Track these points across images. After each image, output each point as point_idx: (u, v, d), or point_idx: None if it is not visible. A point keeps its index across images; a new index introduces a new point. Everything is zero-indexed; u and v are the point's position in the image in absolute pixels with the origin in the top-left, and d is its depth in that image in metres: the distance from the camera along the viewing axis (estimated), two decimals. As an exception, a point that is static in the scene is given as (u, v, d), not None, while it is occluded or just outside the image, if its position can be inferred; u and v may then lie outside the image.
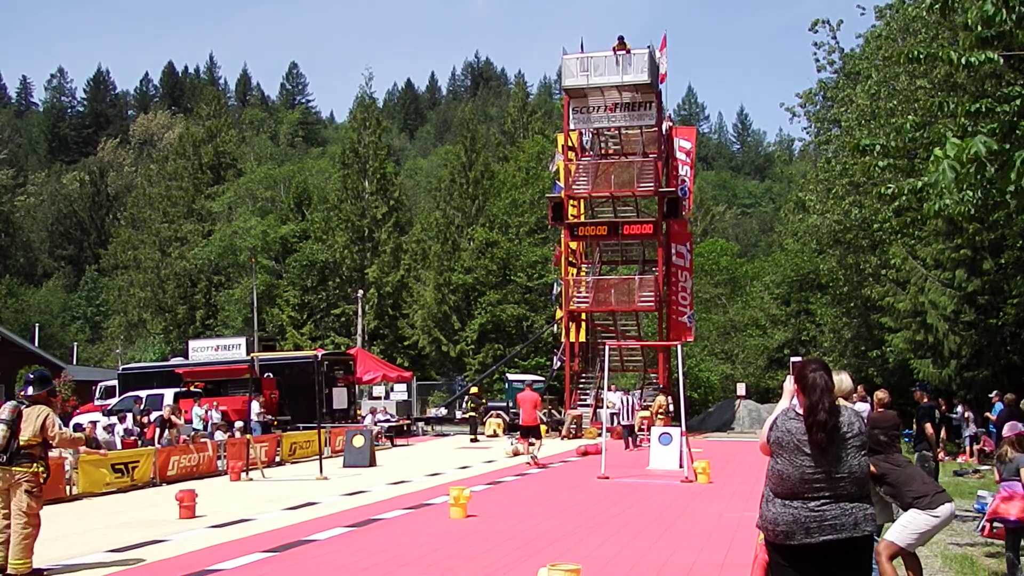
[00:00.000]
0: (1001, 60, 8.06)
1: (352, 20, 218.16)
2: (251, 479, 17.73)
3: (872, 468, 6.64)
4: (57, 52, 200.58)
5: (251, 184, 61.62)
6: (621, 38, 32.23)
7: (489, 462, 20.68)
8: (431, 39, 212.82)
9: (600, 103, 32.87)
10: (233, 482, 17.38)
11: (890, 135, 19.36)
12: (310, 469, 19.20)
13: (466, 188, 53.58)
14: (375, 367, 34.08)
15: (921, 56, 8.45)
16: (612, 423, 23.56)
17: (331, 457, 21.78)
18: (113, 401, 28.35)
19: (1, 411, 8.89)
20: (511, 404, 30.17)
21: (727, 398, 41.94)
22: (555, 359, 35.41)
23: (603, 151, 35.55)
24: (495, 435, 30.28)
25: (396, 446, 26.68)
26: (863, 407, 11.95)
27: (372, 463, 20.08)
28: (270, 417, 25.00)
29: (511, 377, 36.68)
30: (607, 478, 16.34)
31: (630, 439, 23.71)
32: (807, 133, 36.49)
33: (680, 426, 18.52)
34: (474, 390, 33.33)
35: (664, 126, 33.84)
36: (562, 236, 33.98)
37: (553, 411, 32.09)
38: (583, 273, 34.35)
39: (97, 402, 30.96)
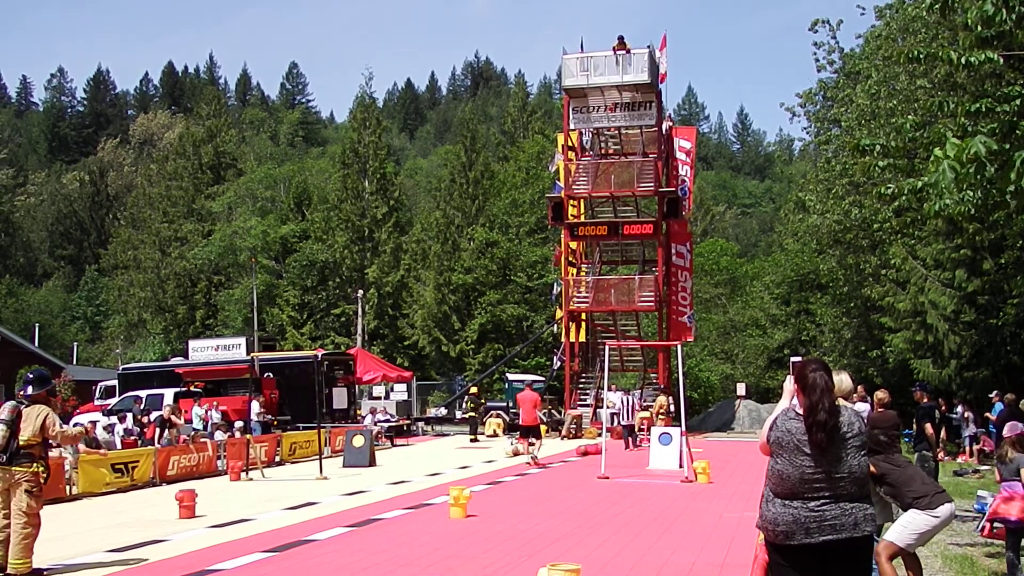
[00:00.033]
0: (1001, 60, 8.06)
1: (352, 20, 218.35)
2: (251, 479, 17.74)
3: (872, 468, 6.64)
4: (57, 52, 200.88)
5: (251, 184, 61.62)
6: (621, 38, 32.24)
7: (489, 462, 20.68)
8: (431, 39, 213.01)
9: (600, 103, 32.87)
10: (233, 482, 17.38)
11: (890, 135, 19.39)
12: (310, 469, 19.20)
13: (466, 188, 53.58)
14: (375, 367, 34.08)
15: (921, 56, 8.45)
16: (612, 423, 23.56)
17: (331, 457, 21.78)
18: (113, 401, 28.34)
19: (1, 411, 8.89)
20: (511, 404, 30.17)
21: (727, 398, 41.94)
22: (555, 359, 35.41)
23: (603, 151, 35.54)
24: (495, 435, 30.28)
25: (396, 446, 26.68)
26: (863, 407, 11.95)
27: (372, 463, 20.08)
28: (270, 417, 24.99)
29: (511, 377, 36.67)
30: (607, 478, 16.33)
31: (630, 439, 23.71)
32: (807, 133, 36.55)
33: (680, 426, 18.52)
34: (474, 390, 33.32)
35: (664, 126, 33.83)
36: (562, 236, 33.98)
37: (553, 411, 32.09)
38: (583, 273, 34.34)
39: (97, 402, 30.94)
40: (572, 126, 33.44)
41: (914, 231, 25.13)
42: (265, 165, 67.12)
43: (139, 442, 21.03)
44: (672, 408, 23.57)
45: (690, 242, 35.77)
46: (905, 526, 6.99)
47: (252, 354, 28.32)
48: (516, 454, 21.46)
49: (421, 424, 34.40)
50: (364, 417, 29.73)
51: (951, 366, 23.54)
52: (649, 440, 20.62)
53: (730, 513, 12.19)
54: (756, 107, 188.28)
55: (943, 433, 15.44)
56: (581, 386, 33.15)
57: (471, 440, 28.26)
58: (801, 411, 4.45)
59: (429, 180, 78.15)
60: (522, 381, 29.06)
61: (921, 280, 24.32)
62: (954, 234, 23.13)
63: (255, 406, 23.73)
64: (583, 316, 33.86)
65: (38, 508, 8.81)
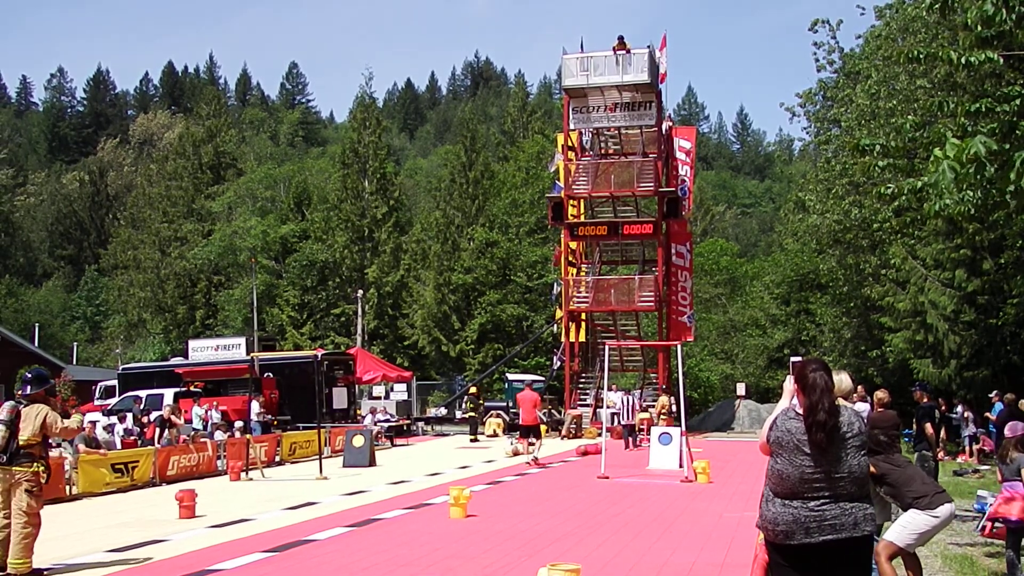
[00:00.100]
0: (1001, 60, 8.05)
1: (352, 20, 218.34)
2: (251, 479, 17.74)
3: (872, 468, 6.64)
4: (57, 52, 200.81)
5: (251, 184, 61.63)
6: (621, 38, 32.23)
7: (489, 462, 20.68)
8: (431, 39, 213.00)
9: (600, 103, 32.87)
10: (233, 482, 17.38)
11: (890, 135, 19.40)
12: (310, 469, 19.20)
13: (466, 188, 53.58)
14: (375, 367, 34.09)
15: (921, 56, 8.44)
16: (612, 423, 23.56)
17: (331, 457, 21.78)
18: (113, 401, 28.35)
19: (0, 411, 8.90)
20: (511, 404, 30.18)
21: (727, 398, 41.94)
22: (555, 359, 35.40)
23: (603, 151, 35.54)
24: (495, 435, 30.28)
25: (396, 446, 26.68)
26: (863, 407, 11.95)
27: (372, 463, 20.08)
28: (270, 417, 25.00)
29: (511, 377, 36.68)
30: (607, 478, 16.34)
31: (630, 439, 23.71)
32: (807, 133, 36.55)
33: (680, 426, 18.52)
34: (473, 390, 33.32)
35: (664, 126, 33.83)
36: (562, 236, 33.98)
37: (553, 411, 32.09)
38: (583, 273, 34.34)
39: (97, 402, 30.94)
40: (572, 126, 33.43)
41: (914, 231, 25.13)
42: (265, 165, 67.12)
43: (139, 442, 21.03)
44: (674, 408, 23.58)
45: (690, 242, 35.77)
46: (905, 526, 6.99)
47: (252, 354, 28.32)
48: (516, 454, 21.46)
49: (421, 424, 34.40)
50: (364, 417, 29.72)
51: (951, 366, 23.54)
52: (649, 440, 20.63)
53: (730, 513, 12.19)
54: (756, 107, 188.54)
55: (943, 433, 15.43)
56: (581, 386, 33.15)
57: (471, 440, 28.26)
58: (801, 411, 4.45)
59: (429, 180, 78.14)
60: (522, 381, 29.06)
61: (921, 280, 24.32)
62: (954, 234, 23.13)
63: (255, 406, 23.73)
64: (583, 316, 33.85)
65: (38, 508, 8.81)
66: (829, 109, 32.29)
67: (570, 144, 33.93)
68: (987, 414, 20.80)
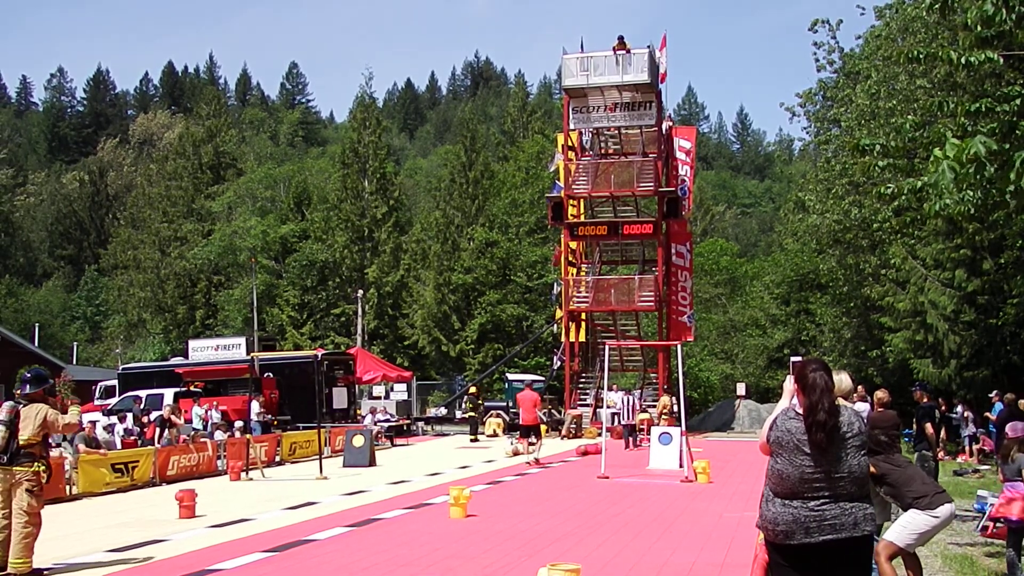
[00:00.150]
0: (1001, 60, 8.05)
1: (352, 20, 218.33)
2: (251, 479, 17.74)
3: (872, 468, 6.64)
4: (57, 52, 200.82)
5: (251, 184, 61.63)
6: (621, 38, 32.23)
7: (489, 462, 20.68)
8: (431, 39, 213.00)
9: (600, 103, 32.87)
10: (233, 482, 17.38)
11: (890, 135, 19.39)
12: (310, 469, 19.20)
13: (466, 188, 53.58)
14: (375, 367, 34.09)
15: (921, 56, 8.44)
16: (612, 423, 23.55)
17: (331, 457, 21.78)
18: (113, 401, 28.35)
19: (-1, 411, 8.89)
20: (511, 404, 30.18)
21: (727, 398, 41.94)
22: (555, 359, 35.40)
23: (603, 151, 35.54)
24: (495, 435, 30.28)
25: (396, 446, 26.69)
26: (863, 407, 11.95)
27: (372, 463, 20.08)
28: (270, 417, 24.99)
29: (511, 377, 36.68)
30: (607, 478, 16.34)
31: (630, 439, 23.71)
32: (807, 133, 36.55)
33: (680, 426, 18.52)
34: (473, 390, 33.32)
35: (664, 126, 33.83)
36: (562, 236, 33.97)
37: (553, 411, 32.09)
38: (583, 273, 34.34)
39: (97, 402, 30.94)
40: (572, 126, 33.43)
41: (914, 231, 25.13)
42: (265, 165, 67.12)
43: (139, 442, 21.02)
44: (676, 408, 23.60)
45: (690, 242, 35.77)
46: (905, 526, 6.99)
47: (252, 354, 28.31)
48: (516, 454, 21.47)
49: (421, 424, 34.40)
50: (364, 417, 29.72)
51: (951, 366, 23.55)
52: (649, 440, 20.63)
53: (730, 513, 12.19)
54: (756, 107, 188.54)
55: (943, 433, 15.44)
56: (581, 386, 33.15)
57: (471, 440, 28.26)
58: (801, 411, 4.45)
59: (429, 180, 78.14)
60: (522, 381, 29.08)
61: (921, 280, 24.32)
62: (954, 234, 23.13)
63: (255, 406, 23.73)
64: (583, 316, 33.85)
65: (39, 508, 8.81)
66: (829, 109, 32.29)
67: (570, 144, 33.93)
68: (987, 414, 20.80)
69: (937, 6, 8.39)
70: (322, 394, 26.06)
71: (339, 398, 29.60)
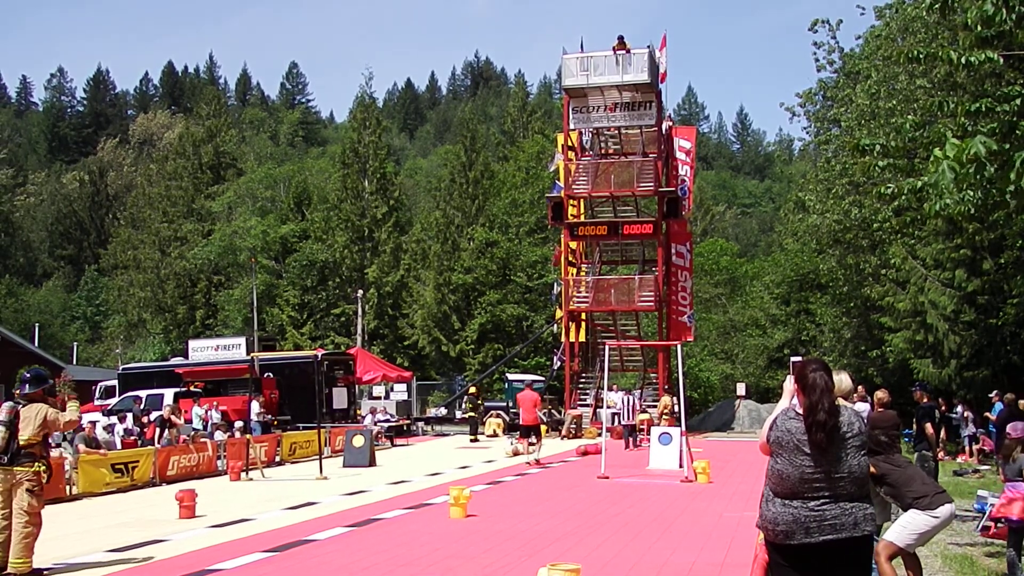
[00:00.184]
0: (1001, 60, 8.05)
1: (352, 20, 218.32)
2: (251, 479, 17.74)
3: (872, 468, 6.63)
4: (57, 52, 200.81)
5: (251, 184, 61.63)
6: (621, 38, 32.23)
7: (489, 462, 20.68)
8: (431, 39, 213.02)
9: (600, 103, 32.88)
10: (233, 482, 17.38)
11: (890, 135, 19.40)
12: (310, 469, 19.20)
13: (466, 188, 53.58)
14: (375, 367, 34.08)
15: (921, 56, 8.44)
16: (612, 423, 23.55)
17: (331, 457, 21.78)
18: (113, 401, 28.34)
19: (-2, 412, 8.89)
20: (511, 404, 30.18)
21: (727, 398, 41.94)
22: (555, 359, 35.41)
23: (603, 151, 35.54)
24: (495, 435, 30.28)
25: (396, 446, 26.68)
26: (863, 407, 11.95)
27: (372, 463, 20.08)
28: (270, 417, 24.99)
29: (511, 377, 36.68)
30: (607, 478, 16.34)
31: (630, 439, 23.71)
32: (807, 133, 36.58)
33: (680, 426, 18.52)
34: (473, 390, 33.32)
35: (664, 126, 33.84)
36: (562, 236, 33.98)
37: (553, 411, 32.09)
38: (583, 273, 34.34)
39: (97, 402, 30.94)
40: (572, 126, 33.44)
41: (914, 231, 25.14)
42: (265, 165, 67.13)
43: (139, 442, 21.02)
44: (676, 408, 23.60)
45: (690, 242, 35.78)
46: (905, 526, 6.99)
47: (252, 354, 28.32)
48: (516, 454, 21.46)
49: (421, 424, 34.40)
50: (364, 417, 29.73)
51: (951, 366, 23.55)
52: (649, 440, 20.63)
53: (730, 513, 12.19)
54: (756, 107, 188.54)
55: (943, 433, 15.44)
56: (581, 386, 33.15)
57: (471, 440, 28.26)
58: (801, 411, 4.45)
59: (429, 180, 78.14)
60: (522, 381, 29.09)
61: (921, 280, 24.32)
62: (954, 234, 23.13)
63: (255, 406, 23.73)
64: (583, 316, 33.86)
65: (39, 508, 8.81)
66: (829, 109, 32.30)
67: (570, 144, 33.94)
68: (987, 414, 20.80)
69: (937, 6, 8.39)
70: (322, 394, 26.06)
71: (339, 398, 29.60)
